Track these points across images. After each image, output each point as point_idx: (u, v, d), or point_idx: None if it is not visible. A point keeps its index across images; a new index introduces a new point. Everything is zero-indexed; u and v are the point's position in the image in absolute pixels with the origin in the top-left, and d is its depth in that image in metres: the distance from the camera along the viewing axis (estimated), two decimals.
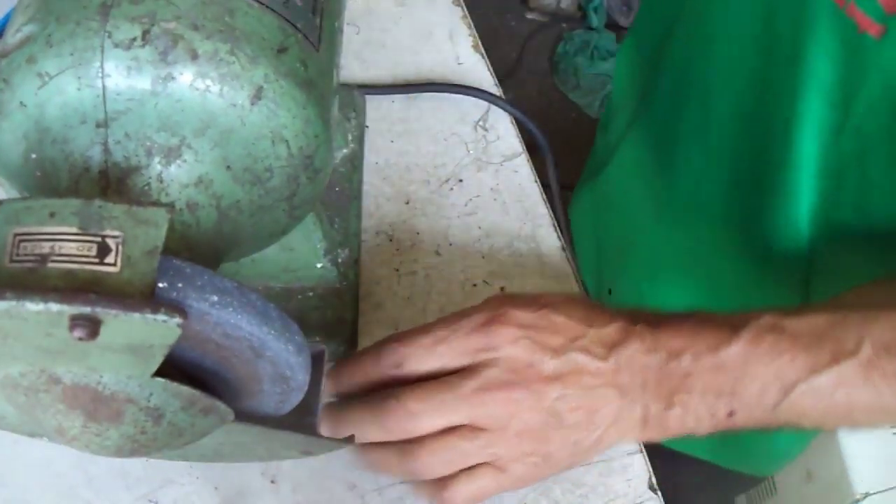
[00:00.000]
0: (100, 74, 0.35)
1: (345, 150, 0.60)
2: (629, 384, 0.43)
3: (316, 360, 0.43)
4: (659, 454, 0.53)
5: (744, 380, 0.42)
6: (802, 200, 0.53)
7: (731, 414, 0.43)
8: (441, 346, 0.42)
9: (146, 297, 0.29)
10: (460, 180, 0.62)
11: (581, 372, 0.42)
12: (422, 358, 0.43)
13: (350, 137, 0.61)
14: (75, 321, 0.28)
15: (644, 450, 0.53)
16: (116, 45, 0.35)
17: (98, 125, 0.36)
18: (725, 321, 0.43)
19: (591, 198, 0.77)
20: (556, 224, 0.61)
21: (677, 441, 0.45)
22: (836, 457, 1.06)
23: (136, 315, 0.29)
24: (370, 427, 0.43)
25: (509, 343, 0.42)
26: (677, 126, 0.62)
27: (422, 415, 0.42)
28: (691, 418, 0.43)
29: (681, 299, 0.66)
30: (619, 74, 0.77)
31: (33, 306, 0.28)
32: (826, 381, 0.42)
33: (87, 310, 0.28)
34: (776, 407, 0.42)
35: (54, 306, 0.28)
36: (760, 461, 0.78)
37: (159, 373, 0.32)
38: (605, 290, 0.74)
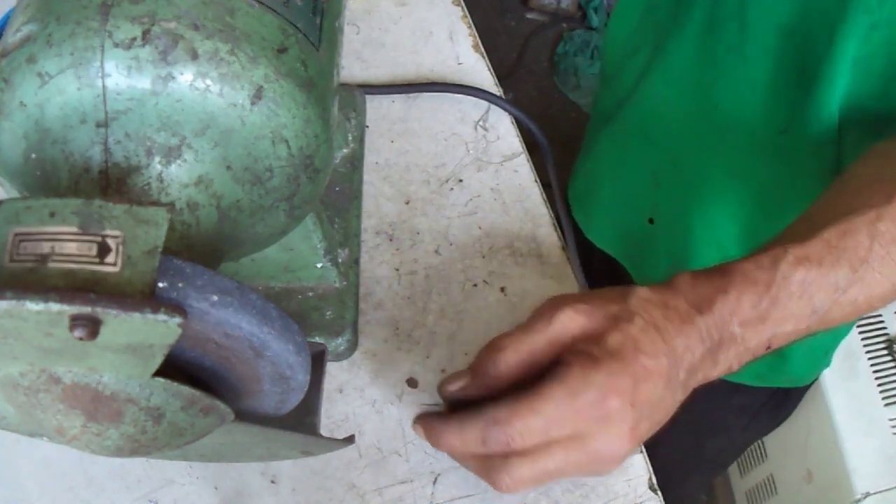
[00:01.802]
0: (100, 74, 0.35)
1: (345, 150, 0.60)
2: (687, 371, 0.45)
3: (316, 360, 0.43)
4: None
5: (782, 321, 0.45)
6: (836, 96, 0.57)
7: (769, 347, 0.46)
8: (553, 427, 0.43)
9: (146, 297, 0.29)
10: (460, 180, 0.62)
11: (657, 402, 0.44)
12: (532, 438, 0.43)
13: (350, 137, 0.61)
14: (75, 321, 0.28)
15: (644, 450, 0.53)
16: (116, 45, 0.35)
17: (98, 125, 0.36)
18: (757, 269, 0.45)
19: (613, 135, 0.78)
20: (556, 224, 0.61)
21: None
22: (837, 457, 1.06)
23: (137, 315, 0.28)
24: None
25: (617, 411, 0.43)
26: (714, 46, 0.63)
27: (530, 483, 0.44)
28: (735, 363, 0.46)
29: (725, 213, 0.69)
30: (628, 14, 0.77)
31: (33, 306, 0.28)
32: (850, 294, 0.46)
33: (87, 309, 0.28)
34: (808, 328, 0.46)
35: (54, 306, 0.28)
36: (803, 373, 0.83)
37: (159, 373, 0.32)
38: (646, 220, 0.76)
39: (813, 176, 0.62)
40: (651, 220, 0.76)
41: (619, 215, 0.80)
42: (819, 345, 0.79)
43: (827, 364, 0.84)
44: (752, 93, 0.62)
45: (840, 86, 0.57)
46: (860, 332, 1.08)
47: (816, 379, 0.94)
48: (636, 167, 0.76)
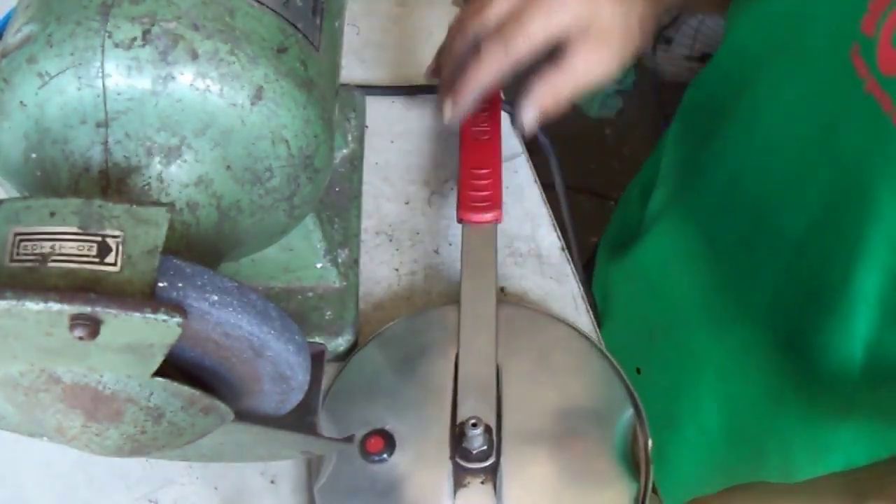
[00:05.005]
0: (100, 74, 0.35)
1: (345, 150, 0.60)
2: None
3: (316, 360, 0.43)
4: None
5: None
6: (857, 331, 0.52)
7: None
8: None
9: (146, 297, 0.29)
10: None
11: None
12: None
13: (350, 137, 0.61)
14: (75, 320, 0.28)
15: None
16: (117, 45, 0.35)
17: (98, 125, 0.36)
18: None
19: (622, 270, 0.73)
20: (555, 224, 0.61)
21: None
22: None
23: (136, 315, 0.29)
24: None
25: None
26: (725, 237, 0.60)
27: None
28: None
29: (710, 399, 0.65)
30: (668, 150, 0.72)
31: (33, 305, 0.28)
32: None
33: (87, 309, 0.28)
34: None
35: (54, 306, 0.28)
36: None
37: (159, 372, 0.32)
38: (633, 369, 0.69)
39: (818, 400, 0.57)
40: (638, 371, 0.69)
41: (620, 346, 0.70)
42: None
43: None
44: (759, 295, 0.59)
45: (860, 329, 0.52)
46: None
47: None
48: (638, 310, 0.71)
